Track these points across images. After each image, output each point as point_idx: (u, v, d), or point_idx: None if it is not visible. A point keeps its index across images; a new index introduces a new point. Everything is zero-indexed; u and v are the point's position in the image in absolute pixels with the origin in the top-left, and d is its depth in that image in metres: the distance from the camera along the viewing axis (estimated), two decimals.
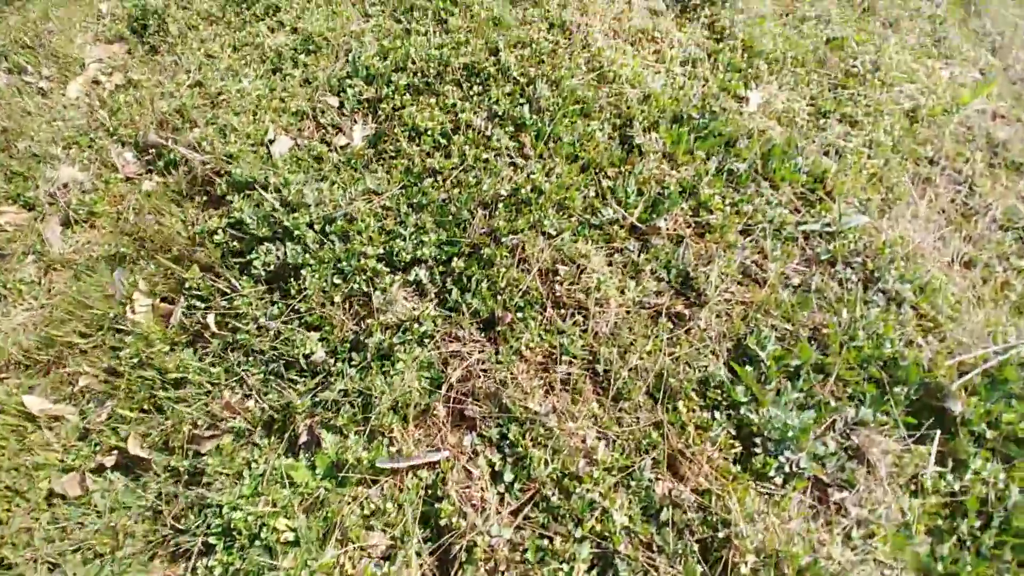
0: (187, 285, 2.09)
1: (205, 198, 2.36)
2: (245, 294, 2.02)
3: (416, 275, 1.96)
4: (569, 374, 1.72)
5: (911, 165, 2.49)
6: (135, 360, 1.98)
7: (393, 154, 2.35)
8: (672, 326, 1.83)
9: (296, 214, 2.10)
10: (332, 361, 1.87)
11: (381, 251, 2.02)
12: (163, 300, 2.19)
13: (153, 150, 2.63)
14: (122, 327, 2.10)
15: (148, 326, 2.09)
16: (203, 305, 2.07)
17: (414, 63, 2.50)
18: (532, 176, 2.09)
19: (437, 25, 2.68)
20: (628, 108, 2.35)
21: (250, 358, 1.94)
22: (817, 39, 2.77)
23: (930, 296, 2.00)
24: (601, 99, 2.39)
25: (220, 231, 2.15)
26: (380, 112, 2.48)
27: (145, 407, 1.93)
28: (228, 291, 2.05)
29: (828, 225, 2.13)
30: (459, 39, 2.53)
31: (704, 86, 2.51)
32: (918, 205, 2.35)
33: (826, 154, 2.43)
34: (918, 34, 2.99)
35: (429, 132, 2.35)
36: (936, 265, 2.17)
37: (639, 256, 1.96)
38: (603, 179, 2.15)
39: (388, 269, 1.98)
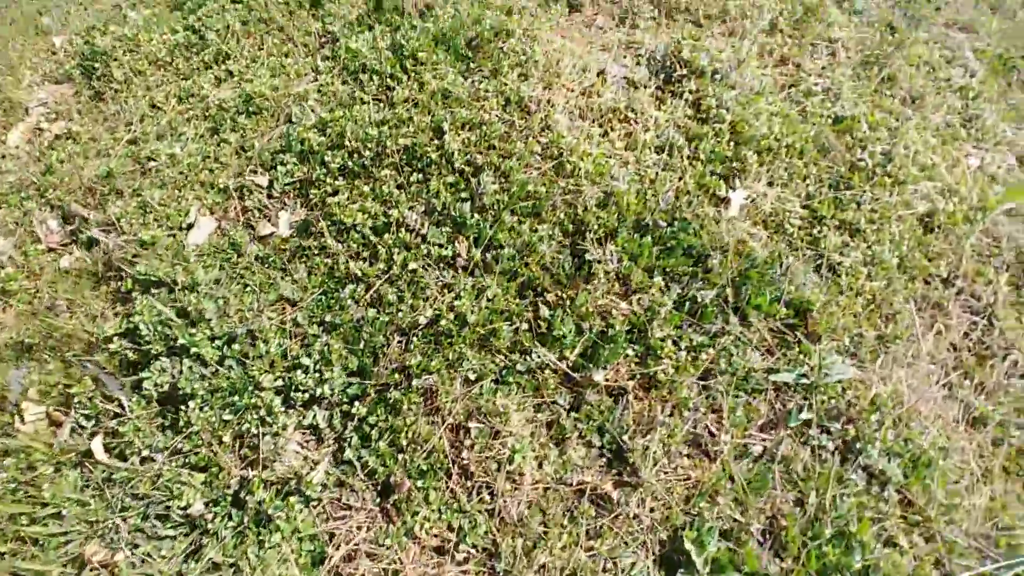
0: (76, 400, 1.90)
1: (118, 288, 2.16)
2: (134, 417, 1.81)
3: (314, 417, 1.73)
4: (464, 572, 1.47)
5: (919, 286, 2.12)
6: (12, 485, 1.80)
7: (317, 251, 2.10)
8: (596, 512, 1.55)
9: (195, 329, 1.87)
10: (210, 517, 1.65)
11: (280, 383, 1.78)
12: (58, 409, 2.00)
13: (77, 220, 2.44)
14: (9, 437, 1.93)
15: (34, 439, 1.91)
16: (91, 424, 1.87)
17: (352, 141, 2.23)
18: (457, 303, 1.82)
19: (385, 92, 2.40)
20: (584, 211, 2.04)
21: (129, 499, 1.74)
22: (821, 121, 2.38)
23: (922, 475, 1.67)
24: (555, 196, 2.09)
25: (116, 338, 1.94)
26: (312, 196, 2.23)
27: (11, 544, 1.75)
28: (118, 411, 1.85)
29: (805, 376, 1.80)
30: (402, 115, 2.24)
31: (680, 180, 2.18)
32: (921, 342, 2.00)
33: (817, 270, 2.08)
34: (945, 111, 2.57)
35: (358, 228, 2.09)
36: (937, 423, 1.83)
37: (568, 415, 1.67)
38: (542, 304, 1.86)
39: (284, 408, 1.74)
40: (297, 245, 2.12)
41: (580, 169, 2.11)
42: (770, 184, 2.24)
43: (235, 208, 2.28)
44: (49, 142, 2.81)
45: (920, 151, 2.35)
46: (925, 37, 2.81)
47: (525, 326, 1.82)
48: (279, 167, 2.31)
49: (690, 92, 2.37)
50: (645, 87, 2.41)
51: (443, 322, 1.78)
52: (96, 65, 2.97)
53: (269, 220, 2.23)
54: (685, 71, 2.42)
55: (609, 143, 2.24)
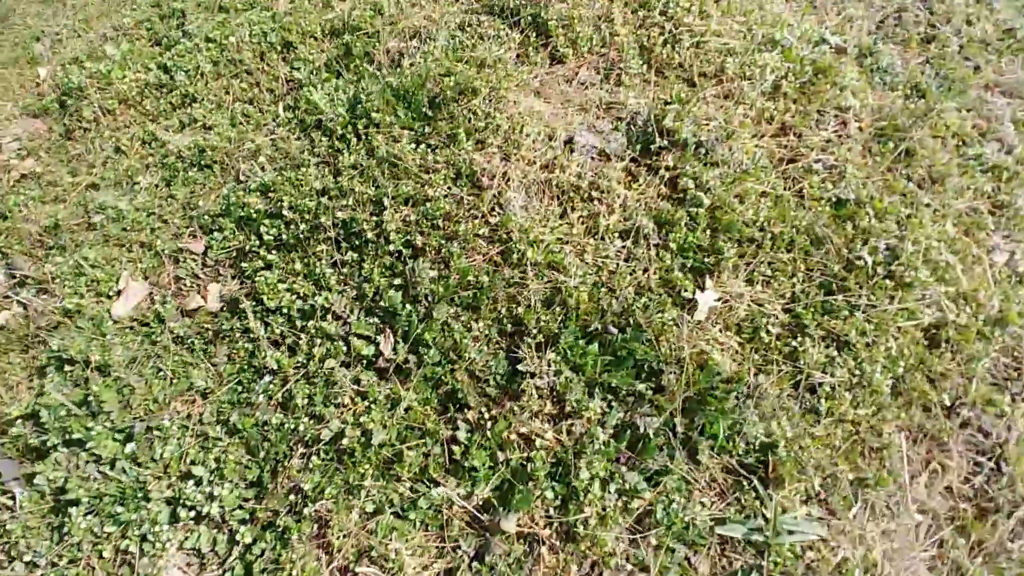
0: None
1: (35, 358, 2.07)
2: (25, 514, 1.71)
3: (198, 539, 1.58)
4: None
5: (916, 413, 1.82)
6: None
7: (240, 332, 1.96)
8: None
9: (94, 421, 1.76)
10: None
11: (170, 492, 1.64)
12: None
13: (18, 274, 2.37)
14: None
15: None
16: None
17: (289, 211, 2.07)
18: (365, 417, 1.63)
19: (334, 155, 2.23)
20: (527, 308, 1.82)
21: None
22: (819, 205, 2.08)
23: None
24: (498, 288, 1.88)
25: (21, 420, 1.85)
26: (245, 268, 2.08)
27: None
28: (10, 505, 1.75)
29: (758, 531, 1.54)
30: (344, 185, 2.07)
31: (644, 274, 1.93)
32: (910, 488, 1.70)
33: (794, 389, 1.81)
34: (971, 195, 2.22)
35: (283, 310, 1.94)
36: None
37: (471, 564, 1.47)
38: (462, 422, 1.66)
39: (169, 523, 1.60)
40: (219, 326, 1.98)
41: (527, 258, 1.89)
42: (749, 282, 1.97)
43: (168, 275, 2.16)
44: (15, 181, 2.77)
45: (933, 246, 2.02)
46: (957, 104, 2.45)
47: (438, 449, 1.62)
48: (216, 233, 2.18)
49: (666, 168, 2.11)
50: (619, 159, 2.16)
51: (346, 440, 1.60)
52: (69, 101, 2.92)
53: (199, 292, 2.10)
54: (666, 141, 2.16)
55: (568, 226, 2.01)
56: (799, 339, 1.86)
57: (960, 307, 1.94)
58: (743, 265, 1.98)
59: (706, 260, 1.95)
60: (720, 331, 1.88)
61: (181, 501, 1.61)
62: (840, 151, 2.20)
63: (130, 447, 1.70)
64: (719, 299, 1.91)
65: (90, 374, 1.89)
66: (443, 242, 1.94)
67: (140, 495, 1.63)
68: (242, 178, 2.31)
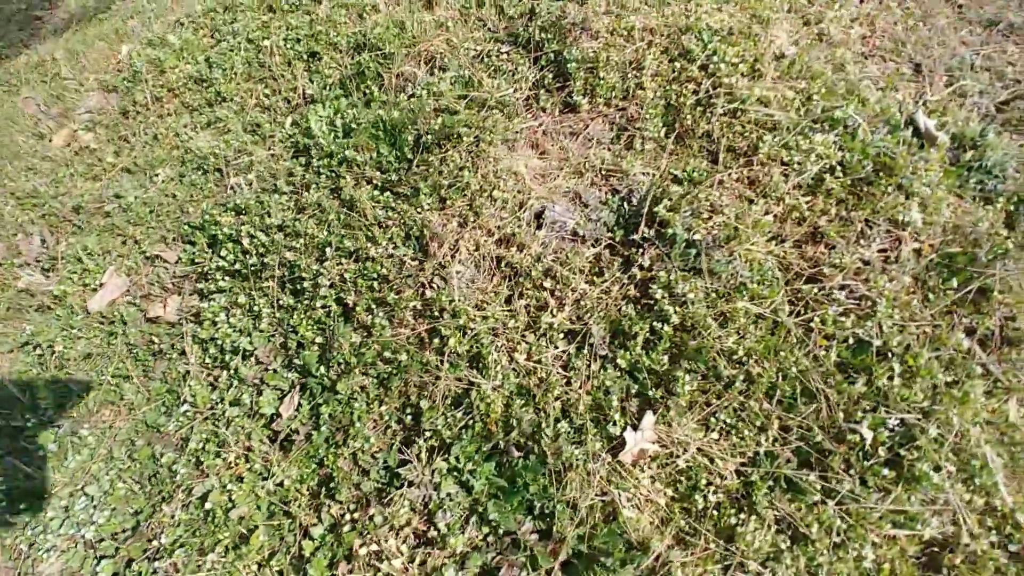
0: None
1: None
2: None
3: (71, 557, 1.65)
4: None
5: None
6: None
7: (178, 354, 2.00)
8: None
9: (32, 414, 1.89)
10: None
11: (66, 503, 1.73)
12: None
13: (47, 245, 2.62)
14: None
15: None
16: None
17: (249, 238, 2.06)
18: (233, 486, 1.59)
19: (307, 188, 2.17)
20: (430, 407, 1.66)
21: None
22: (829, 347, 1.66)
23: None
24: (413, 373, 1.73)
25: None
26: (202, 288, 2.12)
27: None
28: None
29: None
30: (296, 227, 2.01)
31: (580, 388, 1.68)
32: None
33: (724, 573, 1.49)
34: None
35: (217, 342, 1.94)
36: None
37: None
38: (326, 517, 1.56)
39: (56, 534, 1.69)
40: (162, 343, 2.04)
41: (449, 346, 1.71)
42: (704, 427, 1.63)
43: (143, 278, 2.26)
44: (74, 153, 3.07)
45: (973, 436, 1.53)
46: None
47: (292, 539, 1.53)
48: (189, 246, 2.23)
49: (640, 268, 1.79)
50: (593, 244, 1.88)
51: (209, 503, 1.57)
52: (130, 83, 3.14)
53: (162, 301, 2.18)
54: (652, 232, 1.83)
55: (509, 314, 1.79)
56: (743, 515, 1.52)
57: (984, 528, 1.47)
58: (701, 405, 1.64)
59: (655, 390, 1.64)
60: (649, 481, 1.59)
61: (69, 515, 1.70)
62: (877, 278, 1.73)
63: (52, 447, 1.81)
64: (656, 442, 1.61)
65: (51, 360, 2.04)
66: (374, 306, 1.82)
67: (43, 497, 1.74)
68: (229, 191, 2.34)
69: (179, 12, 3.63)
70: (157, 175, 2.65)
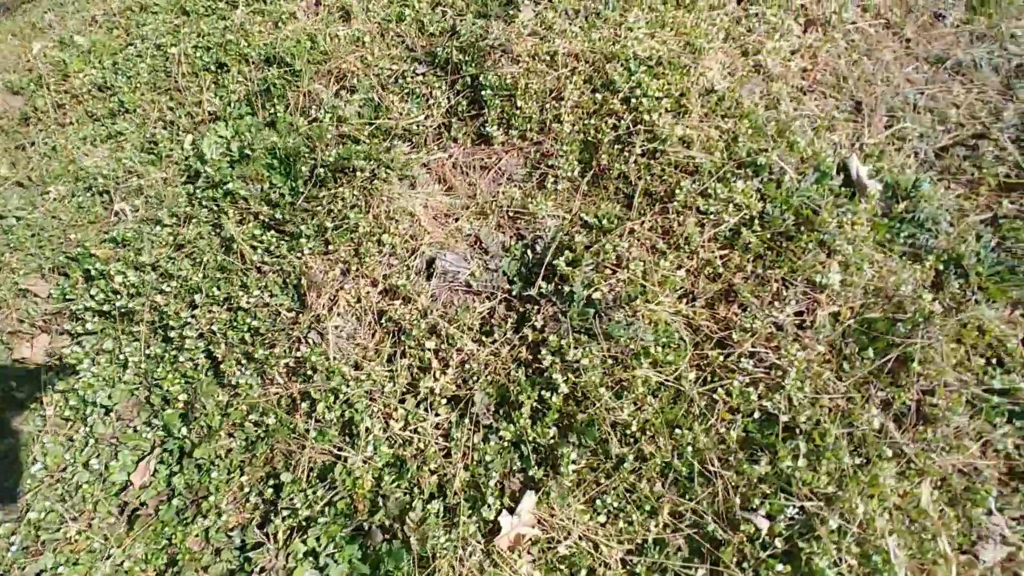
0: None
1: None
2: None
3: None
4: None
5: None
6: None
7: (36, 402, 1.83)
8: None
9: None
10: None
11: None
12: None
13: None
14: None
15: None
16: None
17: (120, 277, 1.87)
18: (67, 568, 1.43)
19: (186, 224, 1.99)
20: (292, 482, 1.50)
21: None
22: (734, 420, 1.52)
23: None
24: (281, 440, 1.57)
25: None
26: (70, 329, 1.93)
27: None
28: None
29: None
30: (171, 267, 1.83)
31: (455, 467, 1.53)
32: None
33: None
34: (977, 450, 1.51)
35: (77, 392, 1.77)
36: None
37: None
38: None
39: None
40: (23, 391, 1.85)
41: (318, 412, 1.55)
42: (591, 509, 1.49)
43: (15, 312, 2.07)
44: None
45: (879, 527, 1.41)
46: (1015, 298, 1.69)
47: None
48: (63, 278, 2.04)
49: (532, 328, 1.64)
50: (488, 298, 1.72)
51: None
52: (33, 87, 2.91)
53: (29, 341, 1.99)
54: (551, 287, 1.68)
55: (388, 375, 1.63)
56: None
57: None
58: (589, 484, 1.50)
59: (538, 468, 1.50)
60: (527, 567, 1.45)
61: None
62: (789, 346, 1.59)
63: None
64: (536, 525, 1.47)
65: None
66: (244, 362, 1.65)
67: None
68: (112, 218, 2.15)
69: (101, 7, 3.39)
70: (48, 192, 2.44)
